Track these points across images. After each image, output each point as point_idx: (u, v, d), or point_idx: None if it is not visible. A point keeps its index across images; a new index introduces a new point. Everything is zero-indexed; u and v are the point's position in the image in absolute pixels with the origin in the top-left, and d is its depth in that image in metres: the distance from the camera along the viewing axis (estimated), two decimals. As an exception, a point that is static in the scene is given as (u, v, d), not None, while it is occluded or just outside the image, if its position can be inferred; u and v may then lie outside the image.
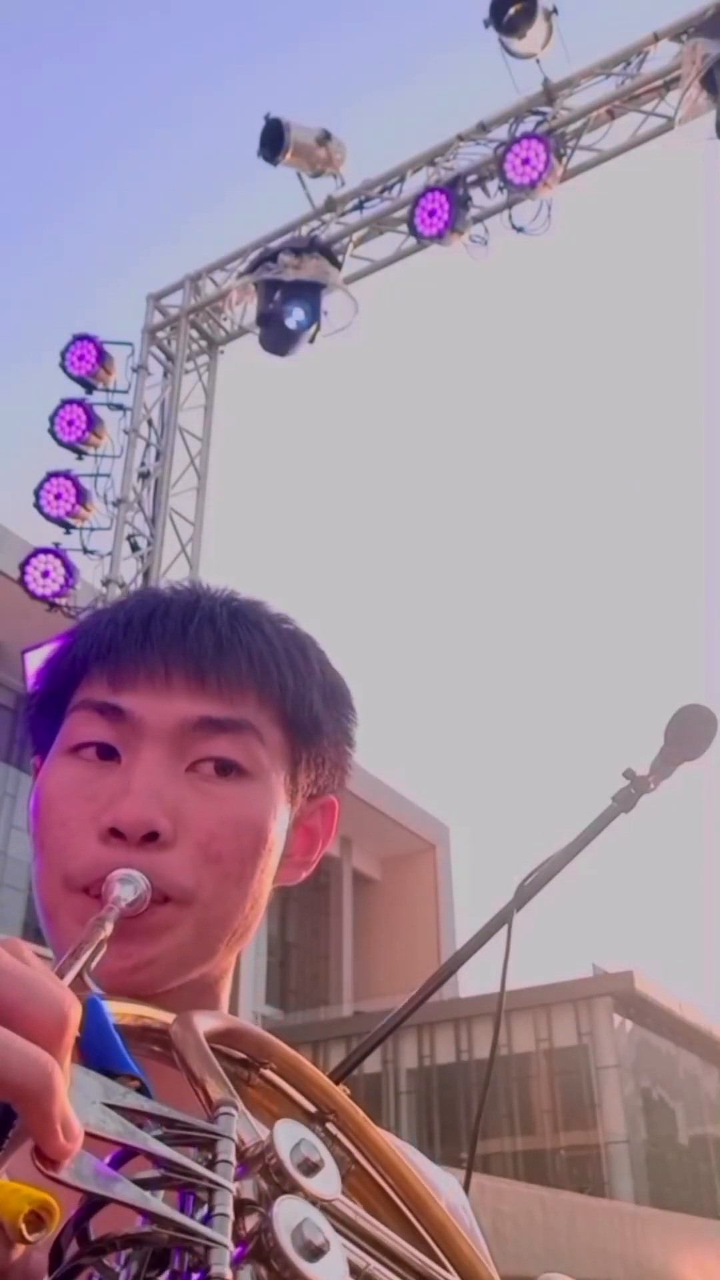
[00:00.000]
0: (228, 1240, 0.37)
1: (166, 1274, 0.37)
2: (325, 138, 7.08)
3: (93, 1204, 0.38)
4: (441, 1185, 0.80)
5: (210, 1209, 0.38)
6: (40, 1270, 0.37)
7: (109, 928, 0.57)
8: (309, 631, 0.82)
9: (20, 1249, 0.35)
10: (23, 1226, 0.35)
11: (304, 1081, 0.53)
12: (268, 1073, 0.52)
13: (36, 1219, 0.35)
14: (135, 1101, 0.41)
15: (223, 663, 0.73)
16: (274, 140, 7.04)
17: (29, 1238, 0.35)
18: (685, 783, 1.72)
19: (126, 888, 0.63)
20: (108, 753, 0.71)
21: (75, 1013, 0.39)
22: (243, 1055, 0.52)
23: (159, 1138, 0.40)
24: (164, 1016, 0.49)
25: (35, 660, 6.62)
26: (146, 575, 7.32)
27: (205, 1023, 0.49)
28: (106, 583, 7.09)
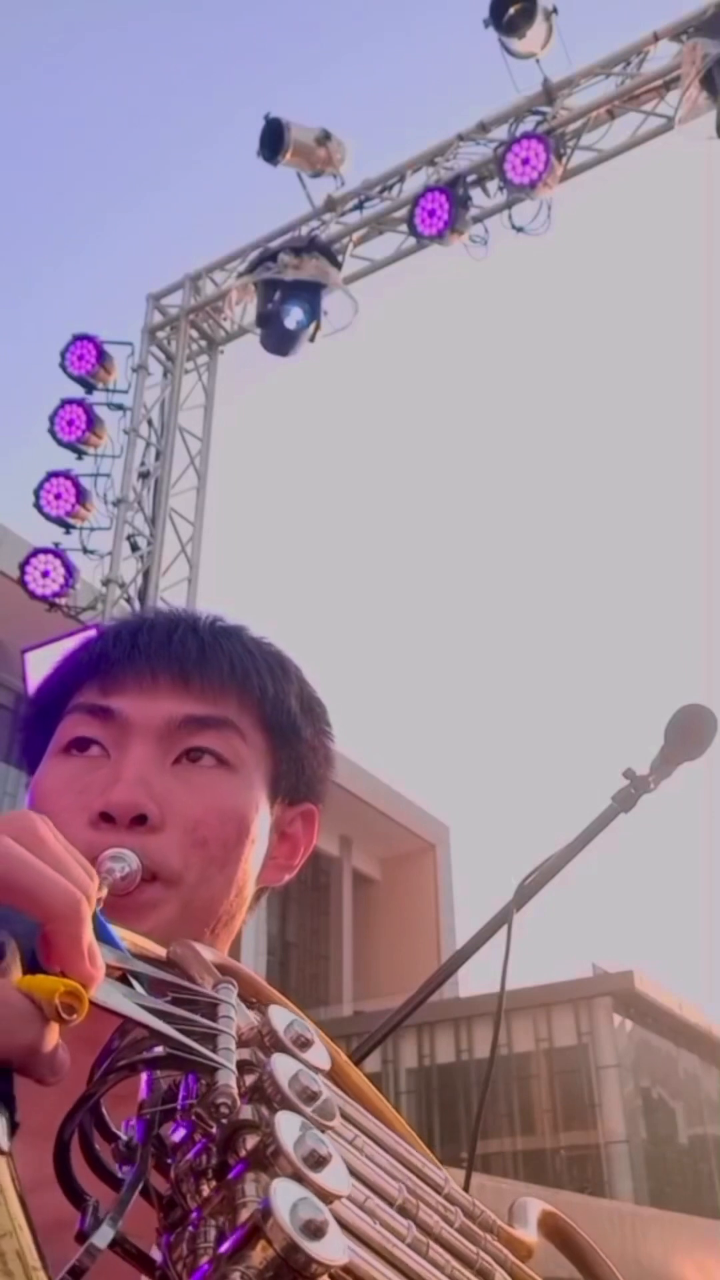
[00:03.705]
0: (232, 1065, 0.40)
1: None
2: (325, 137, 7.08)
3: (114, 1034, 0.41)
4: None
5: (215, 1049, 0.41)
6: (67, 1066, 0.40)
7: (104, 891, 0.58)
8: (307, 638, 0.86)
9: (54, 1032, 0.38)
10: (58, 1005, 0.38)
11: None
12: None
13: (69, 1004, 0.38)
14: (145, 967, 0.45)
15: (206, 667, 0.77)
16: (274, 140, 7.03)
17: (64, 1017, 0.38)
18: (685, 783, 1.72)
19: (118, 864, 0.66)
20: (97, 751, 0.75)
21: (93, 890, 0.43)
22: None
23: (167, 1002, 0.44)
24: (159, 949, 0.51)
25: (35, 661, 6.62)
26: (146, 575, 7.31)
27: (204, 951, 0.51)
28: (106, 583, 7.08)
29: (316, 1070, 0.43)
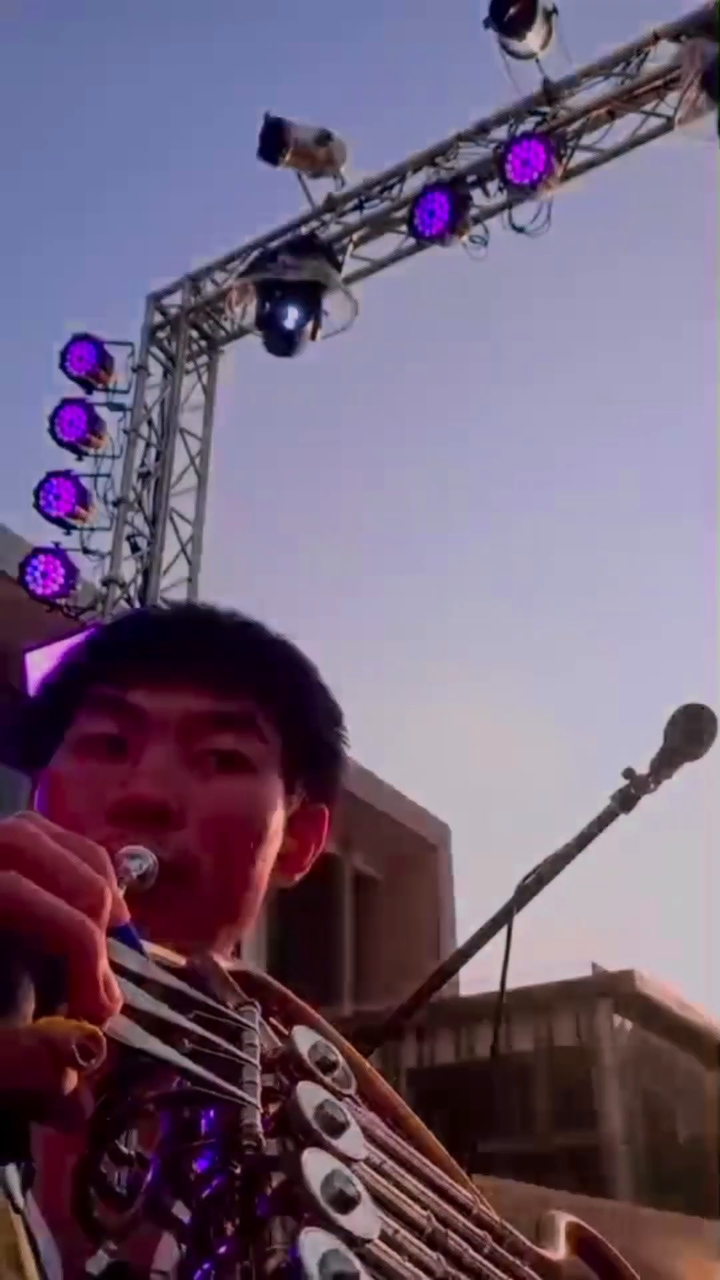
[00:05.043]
0: (257, 1101, 0.39)
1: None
2: (325, 138, 7.08)
3: (131, 1066, 0.40)
4: None
5: (240, 1081, 0.40)
6: (85, 1112, 0.38)
7: (121, 890, 0.57)
8: (307, 635, 0.85)
9: (71, 1078, 0.36)
10: (75, 1050, 0.36)
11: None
12: (275, 1021, 0.53)
13: (86, 1048, 0.36)
14: (168, 979, 0.43)
15: (226, 663, 0.76)
16: (274, 140, 7.03)
17: (80, 1063, 0.36)
18: (685, 783, 1.72)
19: (134, 862, 0.64)
20: (116, 746, 0.73)
21: (110, 892, 0.41)
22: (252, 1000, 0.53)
23: (191, 1020, 0.42)
24: (178, 958, 0.50)
25: (35, 661, 6.61)
26: (146, 575, 7.31)
27: (223, 962, 0.50)
28: (106, 583, 7.08)
29: (341, 1094, 0.42)
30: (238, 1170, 0.37)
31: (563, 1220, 0.58)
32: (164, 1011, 0.41)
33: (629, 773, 1.71)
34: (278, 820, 0.77)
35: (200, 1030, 0.41)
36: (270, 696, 0.77)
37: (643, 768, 1.71)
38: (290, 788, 0.79)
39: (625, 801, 1.69)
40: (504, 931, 1.61)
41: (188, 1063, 0.39)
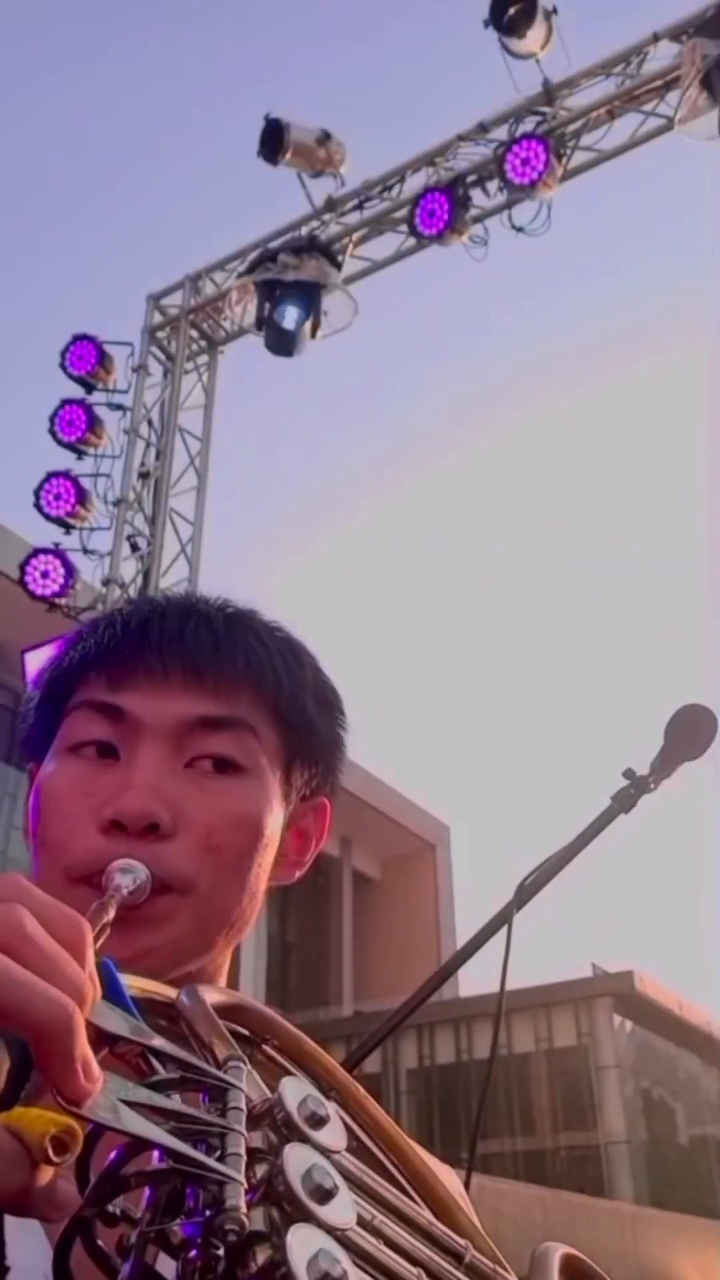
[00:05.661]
0: (241, 1177, 0.38)
1: (188, 1220, 0.38)
2: (325, 138, 7.08)
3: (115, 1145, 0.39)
4: (441, 1175, 0.81)
5: (223, 1152, 0.39)
6: (67, 1199, 0.37)
7: (111, 912, 0.57)
8: (305, 636, 0.84)
9: (46, 1172, 0.36)
10: (48, 1147, 0.35)
11: (305, 1059, 0.53)
12: (269, 1049, 0.52)
13: (61, 1143, 0.36)
14: (156, 1042, 0.42)
15: (219, 663, 0.75)
16: (274, 140, 7.04)
17: (54, 1159, 0.35)
18: (685, 783, 1.72)
19: (126, 877, 0.64)
20: (107, 751, 0.73)
21: (89, 989, 0.40)
22: (245, 1031, 0.52)
23: (176, 1081, 0.41)
24: (168, 991, 0.49)
25: (35, 661, 6.62)
26: (146, 575, 7.32)
27: (210, 995, 0.50)
28: (106, 583, 7.08)
29: (330, 1150, 0.41)
30: (220, 1251, 0.37)
31: (557, 1255, 0.57)
32: (144, 1096, 0.40)
33: (629, 773, 1.71)
34: (276, 822, 0.75)
35: (182, 1108, 0.40)
36: (265, 694, 0.76)
37: (643, 768, 1.71)
38: (289, 782, 0.78)
39: (625, 801, 1.69)
40: (504, 931, 1.60)
41: (168, 1138, 0.38)
